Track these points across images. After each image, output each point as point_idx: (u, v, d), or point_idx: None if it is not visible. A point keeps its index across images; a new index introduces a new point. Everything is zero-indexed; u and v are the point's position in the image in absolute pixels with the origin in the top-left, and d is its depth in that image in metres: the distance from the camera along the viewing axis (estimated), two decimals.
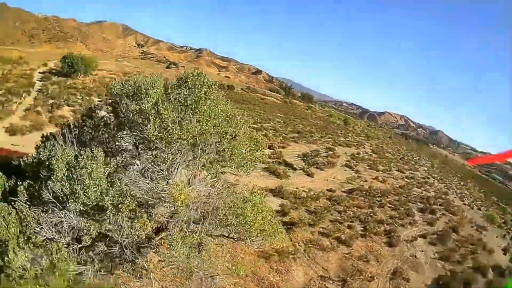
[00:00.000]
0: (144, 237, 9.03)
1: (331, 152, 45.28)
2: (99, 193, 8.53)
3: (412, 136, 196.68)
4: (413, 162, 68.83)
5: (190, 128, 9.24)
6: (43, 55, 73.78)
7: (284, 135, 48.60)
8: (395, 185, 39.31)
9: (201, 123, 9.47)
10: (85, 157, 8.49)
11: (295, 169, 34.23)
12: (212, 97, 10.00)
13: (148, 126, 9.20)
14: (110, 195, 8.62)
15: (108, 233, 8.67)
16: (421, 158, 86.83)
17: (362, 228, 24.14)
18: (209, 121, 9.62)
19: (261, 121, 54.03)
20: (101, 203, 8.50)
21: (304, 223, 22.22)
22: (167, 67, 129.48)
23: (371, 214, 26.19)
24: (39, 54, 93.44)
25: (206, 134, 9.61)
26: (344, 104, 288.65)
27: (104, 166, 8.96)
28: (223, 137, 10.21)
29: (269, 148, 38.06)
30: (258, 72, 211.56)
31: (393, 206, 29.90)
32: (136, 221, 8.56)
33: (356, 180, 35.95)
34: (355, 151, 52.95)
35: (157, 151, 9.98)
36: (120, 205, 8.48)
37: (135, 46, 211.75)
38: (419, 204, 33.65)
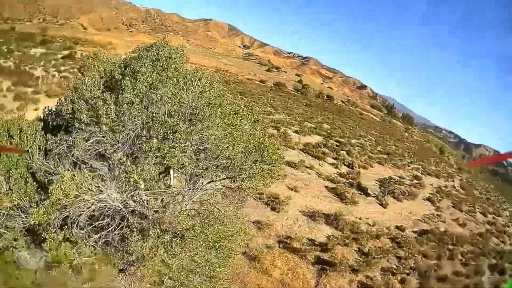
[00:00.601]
0: None
1: (416, 181, 42.18)
2: None
3: (503, 174, 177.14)
4: (497, 205, 61.37)
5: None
6: (137, 44, 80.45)
7: (370, 154, 46.73)
8: (474, 231, 34.99)
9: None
10: None
11: (368, 194, 31.80)
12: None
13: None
14: None
15: None
16: (506, 201, 77.50)
17: (418, 285, 20.42)
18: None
19: (350, 136, 52.85)
20: None
21: (347, 266, 18.75)
22: (267, 70, 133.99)
23: (436, 267, 22.91)
24: (133, 42, 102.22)
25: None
26: (443, 131, 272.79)
27: None
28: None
29: (348, 166, 37.45)
30: (362, 87, 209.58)
31: (463, 260, 26.25)
32: None
33: (433, 219, 32.44)
34: (443, 184, 48.59)
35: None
36: None
37: (240, 47, 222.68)
38: (492, 260, 29.20)
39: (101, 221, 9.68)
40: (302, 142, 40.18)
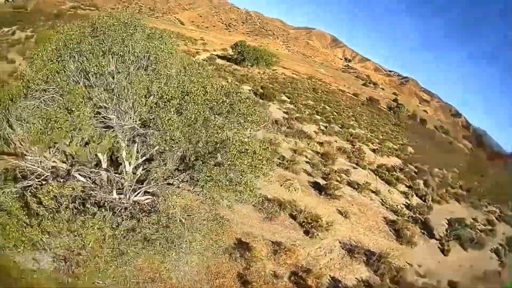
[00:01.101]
0: None
1: (489, 227, 38.09)
2: None
3: None
4: None
5: None
6: (232, 42, 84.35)
7: (450, 188, 43.62)
8: None
9: None
10: None
11: (432, 236, 27.95)
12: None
13: None
14: None
15: None
16: None
17: None
18: None
19: (432, 164, 50.05)
20: None
21: None
22: (364, 84, 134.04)
23: None
24: (228, 41, 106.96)
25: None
26: None
27: None
28: None
29: (420, 197, 33.37)
30: (457, 115, 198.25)
31: None
32: None
33: (492, 278, 28.81)
34: None
35: None
36: None
37: (341, 59, 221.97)
38: None
39: None
40: (376, 163, 37.24)
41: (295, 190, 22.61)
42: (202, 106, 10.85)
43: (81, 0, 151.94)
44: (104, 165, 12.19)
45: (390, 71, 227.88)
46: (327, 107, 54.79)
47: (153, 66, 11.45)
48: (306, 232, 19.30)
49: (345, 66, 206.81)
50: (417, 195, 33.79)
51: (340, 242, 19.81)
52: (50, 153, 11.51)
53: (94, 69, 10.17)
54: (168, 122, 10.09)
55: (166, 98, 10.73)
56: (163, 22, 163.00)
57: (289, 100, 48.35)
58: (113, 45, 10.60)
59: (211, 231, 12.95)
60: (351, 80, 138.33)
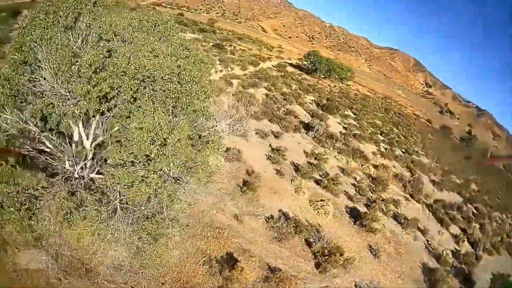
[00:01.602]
0: None
1: None
2: None
3: None
4: None
5: None
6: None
7: (506, 237, 37.74)
8: None
9: None
10: None
11: None
12: None
13: None
14: None
15: None
16: None
17: None
18: None
19: (494, 207, 44.25)
20: None
21: None
22: (440, 112, 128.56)
23: None
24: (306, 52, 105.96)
25: None
26: None
27: None
28: None
29: (472, 244, 27.52)
30: None
31: None
32: None
33: None
34: None
35: None
36: None
37: (422, 84, 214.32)
38: None
39: None
40: (434, 197, 32.60)
41: (325, 213, 19.41)
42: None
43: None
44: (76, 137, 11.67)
45: (468, 101, 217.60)
46: (394, 129, 50.61)
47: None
48: (318, 265, 15.67)
49: (424, 91, 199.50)
50: (468, 241, 28.15)
51: (356, 285, 16.07)
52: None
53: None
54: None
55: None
56: (244, 27, 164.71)
57: (353, 116, 44.58)
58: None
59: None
60: (427, 106, 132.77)
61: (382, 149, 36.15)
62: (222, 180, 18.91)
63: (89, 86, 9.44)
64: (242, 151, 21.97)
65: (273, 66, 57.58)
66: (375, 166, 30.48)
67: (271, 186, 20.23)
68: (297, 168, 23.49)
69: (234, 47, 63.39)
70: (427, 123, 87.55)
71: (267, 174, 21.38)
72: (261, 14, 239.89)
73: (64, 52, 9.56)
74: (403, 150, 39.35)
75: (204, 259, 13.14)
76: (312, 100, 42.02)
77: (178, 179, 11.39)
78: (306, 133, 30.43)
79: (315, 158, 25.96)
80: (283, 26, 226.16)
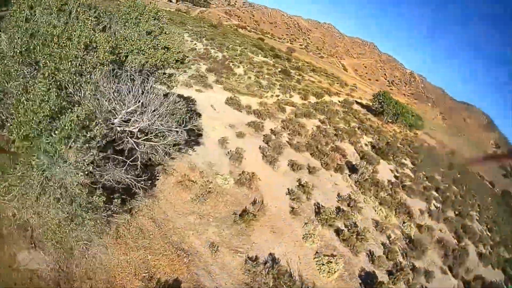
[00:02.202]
0: None
1: None
2: None
3: None
4: None
5: None
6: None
7: None
8: None
9: None
10: None
11: None
12: None
13: None
14: None
15: None
16: None
17: None
18: None
19: None
20: None
21: None
22: (504, 175, 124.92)
23: None
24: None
25: None
26: None
27: None
28: None
29: None
30: None
31: None
32: None
33: None
34: None
35: None
36: None
37: (492, 144, 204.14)
38: None
39: None
40: (474, 272, 26.09)
41: (328, 271, 15.42)
42: None
43: (249, 23, 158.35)
44: None
45: None
46: (455, 187, 45.27)
47: None
48: None
49: (493, 152, 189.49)
50: None
51: None
52: None
53: None
54: None
55: None
56: (325, 62, 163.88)
57: (411, 166, 40.04)
58: None
59: None
60: (493, 168, 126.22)
61: (433, 208, 31.20)
62: (218, 202, 16.58)
63: None
64: (261, 179, 19.58)
65: (338, 101, 54.41)
66: (419, 227, 25.66)
67: (274, 224, 17.22)
68: (319, 211, 19.89)
69: (303, 76, 61.20)
70: (490, 185, 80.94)
71: (277, 209, 18.42)
72: (345, 52, 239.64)
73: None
74: (456, 212, 34.26)
75: (145, 275, 11.76)
76: (368, 142, 38.34)
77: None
78: (348, 175, 26.98)
79: (348, 205, 22.24)
80: (365, 67, 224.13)
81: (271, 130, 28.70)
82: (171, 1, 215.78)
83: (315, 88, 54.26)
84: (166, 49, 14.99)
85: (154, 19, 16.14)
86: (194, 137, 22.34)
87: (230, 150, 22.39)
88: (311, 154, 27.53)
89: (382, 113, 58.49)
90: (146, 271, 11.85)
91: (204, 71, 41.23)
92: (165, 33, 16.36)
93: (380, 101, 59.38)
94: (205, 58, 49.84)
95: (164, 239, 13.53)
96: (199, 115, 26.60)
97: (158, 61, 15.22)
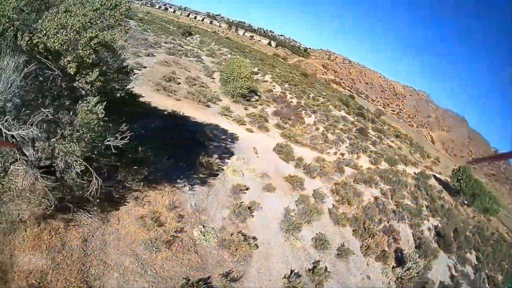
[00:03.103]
0: None
1: None
2: None
3: None
4: None
5: None
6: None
7: None
8: None
9: None
10: None
11: None
12: None
13: None
14: None
15: None
16: None
17: None
18: None
19: None
20: None
21: None
22: None
23: None
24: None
25: None
26: None
27: None
28: None
29: None
30: None
31: None
32: None
33: None
34: None
35: None
36: None
37: None
38: None
39: None
40: None
41: None
42: None
43: (345, 80, 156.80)
44: None
45: None
46: None
47: None
48: None
49: None
50: None
51: None
52: None
53: None
54: None
55: None
56: (412, 130, 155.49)
57: (475, 262, 32.17)
58: None
59: None
60: None
61: None
62: (175, 258, 13.13)
63: None
64: (259, 249, 15.46)
65: (414, 173, 47.64)
66: None
67: None
68: None
69: (382, 139, 54.98)
70: None
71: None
72: (435, 123, 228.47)
73: None
74: None
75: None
76: (433, 226, 31.70)
77: None
78: (392, 268, 20.73)
79: None
80: (452, 141, 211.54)
81: (314, 191, 23.69)
82: (270, 45, 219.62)
83: (391, 154, 48.03)
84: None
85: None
86: (204, 175, 18.70)
87: (241, 203, 17.79)
88: (353, 230, 21.59)
89: (459, 192, 50.36)
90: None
91: (268, 113, 37.50)
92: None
93: (458, 178, 51.24)
94: (277, 101, 46.19)
95: (81, 264, 10.70)
96: (231, 154, 22.56)
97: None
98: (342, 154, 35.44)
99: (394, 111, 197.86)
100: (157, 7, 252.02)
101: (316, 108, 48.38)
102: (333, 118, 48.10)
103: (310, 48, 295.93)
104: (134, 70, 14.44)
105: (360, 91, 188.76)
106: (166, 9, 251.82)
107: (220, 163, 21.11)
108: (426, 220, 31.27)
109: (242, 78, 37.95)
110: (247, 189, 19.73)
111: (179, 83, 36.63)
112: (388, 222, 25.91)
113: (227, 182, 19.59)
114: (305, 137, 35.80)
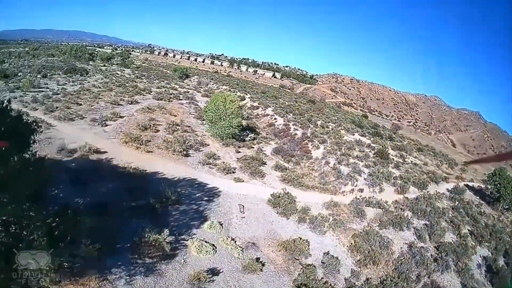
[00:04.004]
0: None
1: None
2: None
3: None
4: None
5: None
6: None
7: None
8: None
9: None
10: None
11: None
12: None
13: None
14: None
15: None
16: None
17: None
18: None
19: None
20: None
21: None
22: None
23: None
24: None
25: None
26: None
27: None
28: None
29: None
30: None
31: None
32: None
33: None
34: None
35: None
36: None
37: None
38: None
39: None
40: None
41: None
42: None
43: (355, 100, 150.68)
44: None
45: None
46: None
47: None
48: None
49: None
50: None
51: None
52: None
53: None
54: None
55: None
56: (432, 139, 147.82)
57: None
58: None
59: None
60: None
61: None
62: None
63: None
64: None
65: (447, 190, 39.72)
66: None
67: None
68: None
69: (404, 159, 47.22)
70: None
71: None
72: (452, 125, 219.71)
73: None
74: None
75: None
76: (482, 258, 24.01)
77: None
78: None
79: None
80: (472, 140, 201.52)
81: (324, 256, 16.70)
82: (275, 77, 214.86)
83: (418, 174, 40.29)
84: None
85: None
86: (152, 259, 13.06)
87: None
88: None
89: (499, 199, 41.38)
90: None
91: (267, 152, 30.99)
92: None
93: (496, 183, 42.27)
94: (279, 135, 39.67)
95: None
96: (203, 220, 16.07)
97: None
98: (361, 190, 28.35)
99: (409, 122, 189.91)
100: (156, 53, 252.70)
101: (325, 137, 41.40)
102: (345, 145, 40.90)
103: (317, 74, 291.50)
104: (39, 126, 10.03)
105: (372, 108, 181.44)
106: (166, 54, 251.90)
107: (182, 238, 14.58)
108: (474, 254, 23.69)
109: (229, 115, 31.52)
110: (217, 273, 13.11)
111: (158, 130, 30.86)
112: (429, 277, 18.67)
113: (188, 267, 13.14)
114: (312, 177, 29.02)
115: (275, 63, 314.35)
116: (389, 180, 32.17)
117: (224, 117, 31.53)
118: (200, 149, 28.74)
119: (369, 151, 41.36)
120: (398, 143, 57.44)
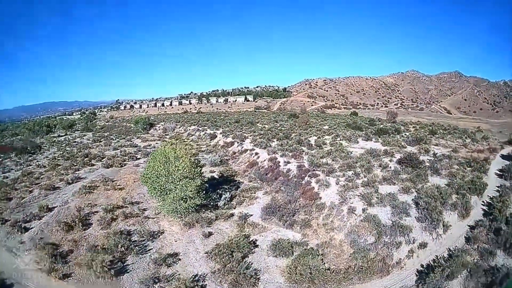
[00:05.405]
0: None
1: None
2: None
3: None
4: None
5: None
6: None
7: None
8: None
9: None
10: None
11: None
12: None
13: None
14: None
15: None
16: None
17: None
18: None
19: None
20: None
21: None
22: None
23: None
24: (503, 125, 78.84)
25: None
26: None
27: None
28: None
29: None
30: None
31: None
32: None
33: None
34: None
35: None
36: None
37: None
38: None
39: None
40: None
41: None
42: None
43: (336, 100, 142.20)
44: None
45: None
46: None
47: None
48: None
49: None
50: None
51: None
52: None
53: None
54: None
55: None
56: (428, 113, 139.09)
57: None
58: None
59: None
60: None
61: None
62: None
63: None
64: None
65: (495, 174, 27.25)
66: None
67: None
68: None
69: (435, 154, 33.38)
70: None
71: None
72: (438, 94, 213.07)
73: None
74: None
75: None
76: None
77: None
78: None
79: None
80: (465, 100, 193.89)
81: None
82: (247, 100, 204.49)
83: (464, 172, 27.46)
84: None
85: None
86: None
87: None
88: None
89: None
90: None
91: (255, 216, 19.49)
92: None
93: None
94: (266, 178, 27.66)
95: None
96: None
97: None
98: (423, 246, 16.39)
99: (396, 104, 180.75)
100: (122, 108, 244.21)
101: (329, 161, 29.05)
102: (359, 162, 28.45)
103: (289, 86, 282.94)
104: None
105: (356, 103, 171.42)
106: (132, 106, 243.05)
107: None
108: None
109: (180, 180, 19.45)
110: None
111: (89, 225, 20.06)
112: None
113: None
114: (337, 246, 17.00)
115: (245, 87, 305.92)
116: (444, 203, 20.12)
117: (173, 185, 19.57)
118: (147, 249, 16.79)
119: (389, 160, 29.13)
120: (412, 134, 44.94)
